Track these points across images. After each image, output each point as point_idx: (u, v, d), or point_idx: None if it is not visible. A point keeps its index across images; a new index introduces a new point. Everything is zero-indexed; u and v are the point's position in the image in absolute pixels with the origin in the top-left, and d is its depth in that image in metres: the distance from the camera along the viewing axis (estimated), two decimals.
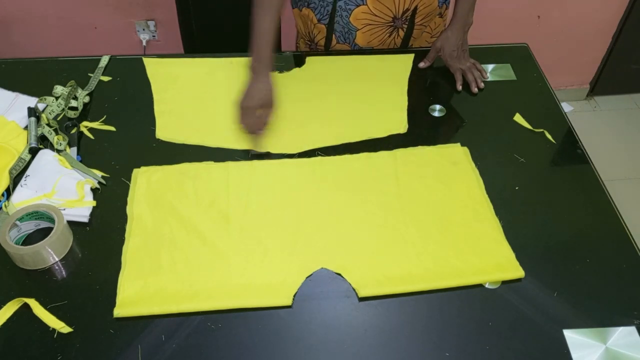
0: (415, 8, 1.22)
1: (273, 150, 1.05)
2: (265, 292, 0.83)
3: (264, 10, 1.00)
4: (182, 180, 0.99)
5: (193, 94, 1.18)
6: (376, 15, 1.22)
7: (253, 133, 1.05)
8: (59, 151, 1.02)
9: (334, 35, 1.27)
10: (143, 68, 1.23)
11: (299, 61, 1.26)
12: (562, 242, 0.92)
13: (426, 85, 1.24)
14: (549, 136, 1.11)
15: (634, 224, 0.99)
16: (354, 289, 0.84)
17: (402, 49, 1.31)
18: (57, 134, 1.05)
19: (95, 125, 1.09)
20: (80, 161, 1.01)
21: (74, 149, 1.04)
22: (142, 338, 0.78)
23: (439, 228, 0.92)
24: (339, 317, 0.81)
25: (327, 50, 1.30)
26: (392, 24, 1.24)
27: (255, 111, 1.03)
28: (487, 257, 0.89)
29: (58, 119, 1.10)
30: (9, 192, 0.95)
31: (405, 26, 1.25)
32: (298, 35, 1.38)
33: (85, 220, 0.92)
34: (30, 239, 0.90)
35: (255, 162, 1.03)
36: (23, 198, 0.93)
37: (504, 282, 0.86)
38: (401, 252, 0.89)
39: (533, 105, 1.18)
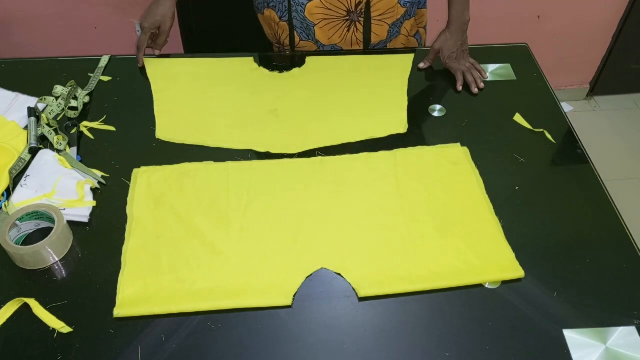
0: (369, 1, 1.21)
1: (273, 150, 1.06)
2: (265, 292, 0.83)
3: None
4: (182, 180, 0.99)
5: (193, 94, 1.18)
6: (330, 9, 1.21)
7: (140, 48, 1.22)
8: (59, 151, 1.02)
9: (295, 32, 1.27)
10: (143, 68, 1.23)
11: (299, 61, 1.26)
12: (562, 242, 0.92)
13: (426, 85, 1.24)
14: (549, 136, 1.11)
15: (634, 224, 0.99)
16: (354, 289, 0.84)
17: (368, 49, 1.30)
18: (57, 134, 1.05)
19: (95, 125, 1.09)
20: (80, 161, 1.01)
21: (74, 149, 1.04)
22: (142, 338, 0.78)
23: (439, 228, 0.92)
24: (339, 317, 0.81)
25: (293, 50, 1.30)
26: (347, 17, 1.23)
27: (148, 30, 1.19)
28: (487, 257, 0.89)
29: (58, 119, 1.10)
30: (9, 192, 0.95)
31: (362, 19, 1.24)
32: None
33: (85, 220, 0.92)
34: (30, 239, 0.90)
35: (255, 162, 1.03)
36: (23, 198, 0.93)
37: (504, 282, 0.86)
38: (401, 252, 0.89)
39: (533, 105, 1.18)
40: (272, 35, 1.34)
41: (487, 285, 0.86)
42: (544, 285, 0.85)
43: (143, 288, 0.83)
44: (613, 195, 0.99)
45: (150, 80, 1.20)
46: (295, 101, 1.17)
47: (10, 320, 0.79)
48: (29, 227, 0.90)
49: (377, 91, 1.20)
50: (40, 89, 1.14)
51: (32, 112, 1.07)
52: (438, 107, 1.17)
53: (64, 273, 0.86)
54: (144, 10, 1.21)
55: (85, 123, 1.09)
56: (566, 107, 2.42)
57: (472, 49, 1.26)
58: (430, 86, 1.24)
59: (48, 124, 1.07)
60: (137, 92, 1.18)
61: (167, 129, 1.09)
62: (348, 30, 1.26)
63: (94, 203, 0.94)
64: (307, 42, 1.29)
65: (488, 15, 2.05)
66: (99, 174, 0.99)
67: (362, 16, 1.23)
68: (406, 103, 1.17)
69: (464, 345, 0.78)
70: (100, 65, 1.22)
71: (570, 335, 0.79)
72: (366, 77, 1.23)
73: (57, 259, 0.86)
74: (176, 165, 1.02)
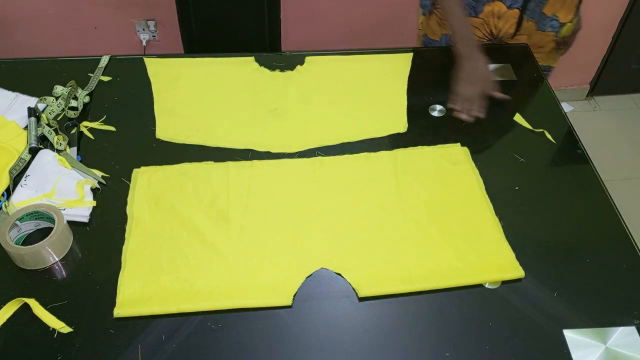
0: None
1: (273, 150, 1.06)
2: (265, 292, 0.83)
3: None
4: (182, 180, 0.99)
5: (193, 94, 1.18)
6: None
7: (469, 117, 1.14)
8: (59, 151, 1.02)
9: (524, 15, 1.26)
10: (143, 68, 1.23)
11: (299, 61, 1.26)
12: (562, 242, 0.92)
13: (426, 85, 1.24)
14: (549, 136, 1.11)
15: (634, 224, 0.99)
16: (354, 289, 0.84)
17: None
18: (57, 134, 1.05)
19: (95, 125, 1.09)
20: (80, 161, 1.01)
21: (74, 149, 1.04)
22: (142, 338, 0.78)
23: (439, 228, 0.92)
24: (339, 317, 0.81)
25: (513, 37, 1.30)
26: None
27: (476, 96, 1.15)
28: (487, 257, 0.89)
29: (58, 119, 1.10)
30: (9, 192, 0.95)
31: None
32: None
33: (85, 220, 0.92)
34: (30, 239, 0.90)
35: (255, 162, 1.03)
36: (23, 198, 0.93)
37: (504, 282, 0.86)
38: (401, 252, 0.89)
39: (533, 105, 1.18)
40: (487, 31, 1.31)
41: (487, 285, 0.86)
42: (544, 285, 0.85)
43: (143, 288, 0.83)
44: (613, 195, 0.99)
45: (151, 80, 1.20)
46: (295, 101, 1.17)
47: (10, 320, 0.79)
48: (29, 227, 0.90)
49: (377, 91, 1.20)
50: (40, 89, 1.14)
51: (32, 112, 1.07)
52: (438, 107, 1.17)
53: (64, 273, 0.86)
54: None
55: (85, 123, 1.09)
56: (566, 107, 2.42)
57: None
58: (430, 86, 1.24)
59: (48, 124, 1.07)
60: (137, 92, 1.18)
61: (167, 129, 1.09)
62: None
63: (94, 203, 0.94)
64: (529, 22, 1.28)
65: None
66: (99, 174, 0.99)
67: None
68: (406, 103, 1.17)
69: (464, 345, 0.78)
70: (100, 65, 1.22)
71: (570, 335, 0.79)
72: (366, 76, 1.23)
73: (57, 259, 0.86)
74: (176, 165, 1.02)
